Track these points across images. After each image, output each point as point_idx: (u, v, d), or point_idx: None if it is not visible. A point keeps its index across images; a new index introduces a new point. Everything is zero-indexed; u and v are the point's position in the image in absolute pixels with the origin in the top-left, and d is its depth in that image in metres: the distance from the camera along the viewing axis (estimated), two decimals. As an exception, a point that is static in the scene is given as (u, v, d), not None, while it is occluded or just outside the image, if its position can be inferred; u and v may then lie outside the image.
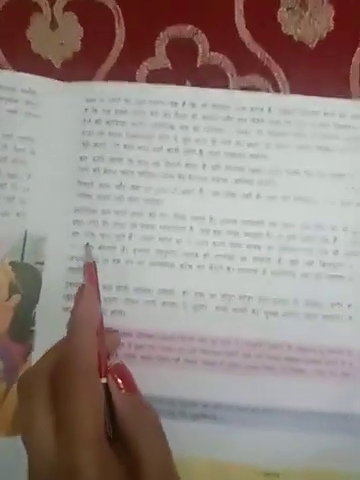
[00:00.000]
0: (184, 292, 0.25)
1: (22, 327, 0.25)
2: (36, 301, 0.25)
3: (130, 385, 0.21)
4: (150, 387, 0.22)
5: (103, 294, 0.25)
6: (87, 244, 0.25)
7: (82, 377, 0.19)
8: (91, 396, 0.19)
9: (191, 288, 0.25)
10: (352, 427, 0.24)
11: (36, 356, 0.25)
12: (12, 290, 0.25)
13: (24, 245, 0.26)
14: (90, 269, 0.24)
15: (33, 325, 0.25)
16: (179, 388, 0.25)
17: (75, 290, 0.25)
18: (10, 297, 0.25)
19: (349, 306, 0.25)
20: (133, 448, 0.19)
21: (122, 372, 0.21)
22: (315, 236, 0.25)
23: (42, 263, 0.26)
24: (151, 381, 0.23)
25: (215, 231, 0.26)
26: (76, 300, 0.22)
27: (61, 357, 0.20)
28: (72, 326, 0.21)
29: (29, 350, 0.25)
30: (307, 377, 0.24)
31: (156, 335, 0.25)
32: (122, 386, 0.20)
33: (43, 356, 0.21)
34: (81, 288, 0.23)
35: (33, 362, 0.25)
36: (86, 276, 0.24)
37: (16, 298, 0.25)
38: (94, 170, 0.26)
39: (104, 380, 0.21)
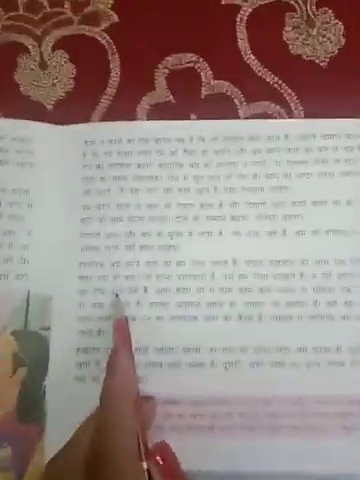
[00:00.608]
0: (212, 349, 0.22)
1: (31, 405, 0.22)
2: (45, 373, 0.22)
3: (174, 471, 0.18)
4: (182, 461, 0.19)
5: (120, 359, 0.23)
6: (117, 295, 0.22)
7: (122, 465, 0.16)
8: None
9: (219, 343, 0.22)
10: None
11: (50, 438, 0.22)
12: (17, 363, 0.22)
13: (27, 310, 0.23)
14: (122, 326, 0.21)
15: (43, 401, 0.22)
16: (215, 460, 0.21)
17: (87, 357, 0.22)
18: (15, 372, 0.22)
19: None
20: None
21: (165, 454, 0.18)
22: (353, 272, 0.23)
23: (48, 328, 0.23)
24: (183, 454, 0.20)
25: (240, 276, 0.23)
26: (110, 367, 0.19)
27: (95, 440, 0.17)
28: (107, 401, 0.18)
29: (41, 431, 0.22)
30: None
31: (184, 401, 0.22)
32: (165, 471, 0.17)
33: (73, 438, 0.18)
34: (114, 352, 0.20)
35: (46, 446, 0.22)
36: (116, 336, 0.21)
37: (22, 372, 0.22)
38: (99, 219, 0.23)
39: (145, 465, 0.17)
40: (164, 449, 0.18)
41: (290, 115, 0.25)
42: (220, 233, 0.24)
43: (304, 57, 0.26)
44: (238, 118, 0.25)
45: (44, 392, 0.22)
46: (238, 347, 0.22)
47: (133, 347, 0.22)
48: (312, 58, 0.26)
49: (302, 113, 0.25)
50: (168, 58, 0.27)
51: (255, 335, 0.22)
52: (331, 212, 0.23)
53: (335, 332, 0.22)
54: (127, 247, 0.23)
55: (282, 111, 0.26)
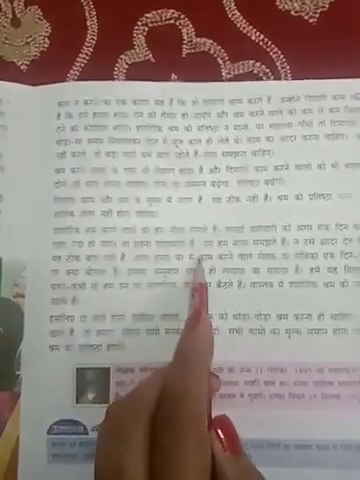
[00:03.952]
0: (190, 316, 0.22)
1: (6, 372, 0.22)
2: (20, 340, 0.22)
3: (235, 445, 0.17)
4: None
5: (96, 326, 0.22)
6: (199, 260, 0.22)
7: (192, 427, 0.15)
8: (200, 453, 0.15)
9: (198, 310, 0.22)
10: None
11: (25, 405, 0.22)
12: (-10, 330, 0.22)
13: (0, 276, 0.22)
14: (202, 291, 0.20)
15: (18, 369, 0.22)
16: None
17: (60, 325, 0.22)
18: (-11, 340, 0.22)
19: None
20: None
21: (227, 427, 0.17)
22: (337, 237, 0.22)
23: (22, 296, 0.22)
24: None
25: (220, 242, 0.22)
26: (191, 326, 0.18)
27: (167, 395, 0.16)
28: (188, 358, 0.17)
29: (16, 398, 0.22)
30: (343, 403, 0.21)
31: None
32: (225, 445, 0.16)
33: (143, 386, 0.17)
34: (196, 313, 0.19)
35: (22, 412, 0.22)
36: (198, 297, 0.20)
37: (-4, 340, 0.22)
38: (74, 183, 0.22)
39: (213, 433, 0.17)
40: (225, 422, 0.17)
41: (276, 75, 0.24)
42: (200, 199, 0.23)
43: (292, 13, 0.25)
44: (221, 78, 0.24)
45: (19, 359, 0.22)
46: (217, 314, 0.22)
47: (110, 314, 0.22)
48: (301, 14, 0.25)
49: (289, 73, 0.24)
50: (148, 15, 0.25)
51: (234, 302, 0.22)
52: (315, 176, 0.22)
53: (318, 298, 0.22)
54: (103, 213, 0.22)
55: (267, 71, 0.24)
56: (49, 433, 0.22)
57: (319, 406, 0.21)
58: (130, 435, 0.15)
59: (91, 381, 0.22)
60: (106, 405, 0.21)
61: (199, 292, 0.21)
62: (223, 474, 0.16)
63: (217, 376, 0.21)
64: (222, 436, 0.17)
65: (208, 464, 0.15)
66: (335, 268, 0.22)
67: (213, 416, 0.17)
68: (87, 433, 0.22)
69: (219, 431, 0.17)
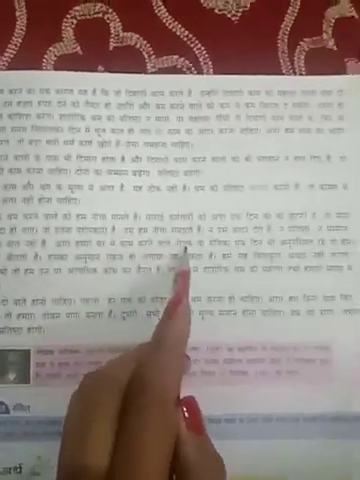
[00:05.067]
0: (110, 299, 0.23)
1: None
2: None
3: (199, 425, 0.17)
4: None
5: (16, 310, 0.23)
6: (185, 248, 0.23)
7: (162, 407, 0.16)
8: (166, 434, 0.16)
9: (118, 294, 0.23)
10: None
11: None
12: None
13: None
14: (185, 277, 0.21)
15: None
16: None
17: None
18: None
19: (290, 299, 0.23)
20: None
21: (192, 408, 0.17)
22: (247, 226, 0.23)
23: None
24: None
25: (140, 229, 0.23)
26: (170, 311, 0.19)
27: (141, 374, 0.16)
28: (164, 341, 0.18)
29: None
30: (250, 379, 0.23)
31: (81, 350, 0.23)
32: (189, 423, 0.17)
33: (118, 361, 0.18)
34: (177, 298, 0.20)
35: None
36: (180, 284, 0.21)
37: None
38: (-4, 170, 0.23)
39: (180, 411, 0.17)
40: (191, 403, 0.18)
41: (199, 70, 0.25)
42: (121, 187, 0.24)
43: (216, 11, 0.26)
44: (146, 71, 0.25)
45: None
46: (136, 297, 0.23)
47: (31, 298, 0.23)
48: (224, 12, 0.26)
49: (211, 68, 0.25)
50: (76, 8, 0.26)
51: (153, 286, 0.23)
52: (229, 168, 0.24)
53: (229, 282, 0.23)
54: (25, 199, 0.23)
55: (191, 66, 0.25)
56: (-30, 412, 0.22)
57: (228, 382, 0.23)
58: (102, 404, 0.16)
59: (12, 362, 0.23)
60: (26, 385, 0.23)
61: (182, 278, 0.22)
62: (184, 451, 0.16)
63: (188, 357, 0.21)
64: (186, 415, 0.17)
65: (170, 451, 0.16)
66: (245, 254, 0.23)
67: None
68: (8, 412, 0.22)
69: (184, 410, 0.17)
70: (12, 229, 0.23)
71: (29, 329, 0.22)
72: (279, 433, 0.23)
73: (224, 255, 0.23)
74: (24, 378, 0.22)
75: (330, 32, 0.26)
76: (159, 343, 0.18)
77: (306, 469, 0.22)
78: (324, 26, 0.26)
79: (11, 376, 0.23)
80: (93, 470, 0.15)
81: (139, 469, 0.15)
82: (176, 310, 0.19)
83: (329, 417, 0.23)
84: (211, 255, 0.23)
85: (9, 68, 0.25)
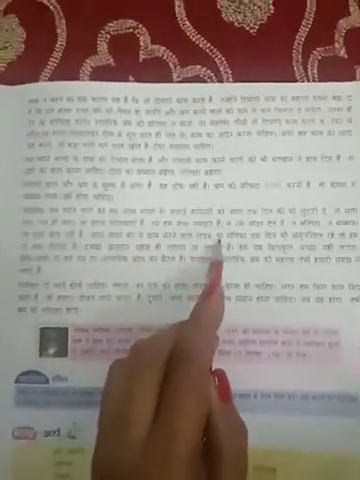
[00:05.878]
0: (138, 285, 0.26)
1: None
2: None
3: (227, 392, 0.20)
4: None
5: (57, 292, 0.26)
6: (219, 241, 0.25)
7: (200, 373, 0.18)
8: (201, 401, 0.18)
9: (145, 280, 0.26)
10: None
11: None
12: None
13: (-23, 249, 0.26)
14: (219, 267, 0.24)
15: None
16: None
17: (27, 291, 0.25)
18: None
19: (301, 287, 0.25)
20: (218, 458, 0.18)
21: (222, 379, 0.20)
22: (262, 220, 0.26)
23: (-4, 266, 0.26)
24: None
25: (165, 222, 0.26)
26: (206, 296, 0.22)
27: (182, 346, 0.19)
28: (201, 321, 0.21)
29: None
30: (263, 359, 0.25)
31: (112, 329, 0.25)
32: (219, 391, 0.19)
33: (161, 335, 0.20)
34: (212, 284, 0.23)
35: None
36: (214, 273, 0.24)
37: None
38: (41, 170, 0.26)
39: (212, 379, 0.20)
40: (221, 374, 0.20)
41: (219, 79, 0.28)
42: (149, 185, 0.26)
43: (235, 24, 0.29)
44: (172, 80, 0.28)
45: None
46: (161, 283, 0.26)
47: (69, 282, 0.26)
48: (243, 25, 0.28)
49: (231, 77, 0.28)
50: (110, 24, 0.29)
51: (177, 273, 0.26)
52: (246, 168, 0.26)
53: (245, 271, 0.25)
54: (65, 195, 0.26)
55: (212, 75, 0.28)
56: (16, 382, 0.25)
57: (243, 361, 0.25)
58: (147, 370, 0.18)
59: (52, 339, 0.26)
60: (64, 359, 0.26)
61: (216, 267, 0.24)
62: (214, 420, 0.18)
63: (218, 337, 0.23)
64: (217, 383, 0.19)
65: (204, 415, 0.18)
66: (260, 246, 0.26)
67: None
68: (48, 382, 0.25)
69: (216, 379, 0.20)
70: (53, 221, 0.26)
71: (67, 309, 0.25)
72: (290, 409, 0.25)
73: (241, 246, 0.26)
74: (62, 352, 0.25)
75: (342, 41, 0.28)
76: (197, 322, 0.21)
77: (319, 441, 0.24)
78: (336, 36, 0.28)
79: (51, 350, 0.26)
80: (137, 428, 0.17)
81: (178, 430, 0.17)
82: (210, 295, 0.22)
83: (336, 396, 0.25)
84: (229, 246, 0.26)
85: (51, 79, 0.28)
